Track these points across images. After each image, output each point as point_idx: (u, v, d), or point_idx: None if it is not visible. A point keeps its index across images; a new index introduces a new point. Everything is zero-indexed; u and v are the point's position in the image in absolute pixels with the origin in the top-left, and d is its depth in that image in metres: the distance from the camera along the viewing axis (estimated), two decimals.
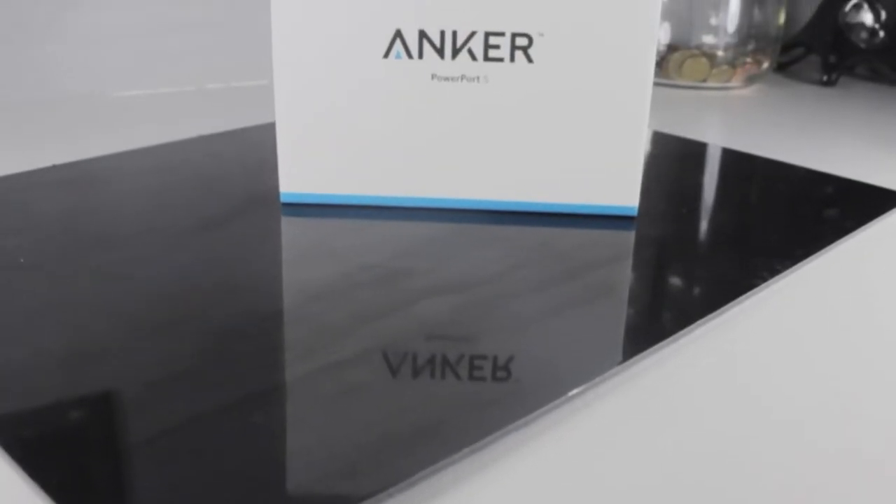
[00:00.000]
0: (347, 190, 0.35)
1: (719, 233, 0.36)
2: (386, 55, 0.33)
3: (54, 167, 0.40)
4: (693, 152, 0.46)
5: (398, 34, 0.32)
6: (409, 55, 0.33)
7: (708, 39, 0.65)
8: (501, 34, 0.32)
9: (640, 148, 0.34)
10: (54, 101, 0.55)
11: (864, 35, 0.70)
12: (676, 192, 0.40)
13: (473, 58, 0.32)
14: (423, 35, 0.32)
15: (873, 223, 0.36)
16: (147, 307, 0.27)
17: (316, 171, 0.34)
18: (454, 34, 0.32)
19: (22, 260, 0.30)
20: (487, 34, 0.32)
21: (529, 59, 0.32)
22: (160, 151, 0.43)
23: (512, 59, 0.32)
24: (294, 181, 0.34)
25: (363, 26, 0.32)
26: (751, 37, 0.66)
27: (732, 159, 0.45)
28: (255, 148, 0.43)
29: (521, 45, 0.32)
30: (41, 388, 0.22)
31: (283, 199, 0.35)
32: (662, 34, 0.65)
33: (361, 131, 0.34)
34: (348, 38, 0.32)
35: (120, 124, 0.50)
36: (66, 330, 0.25)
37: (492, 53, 0.32)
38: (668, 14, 0.65)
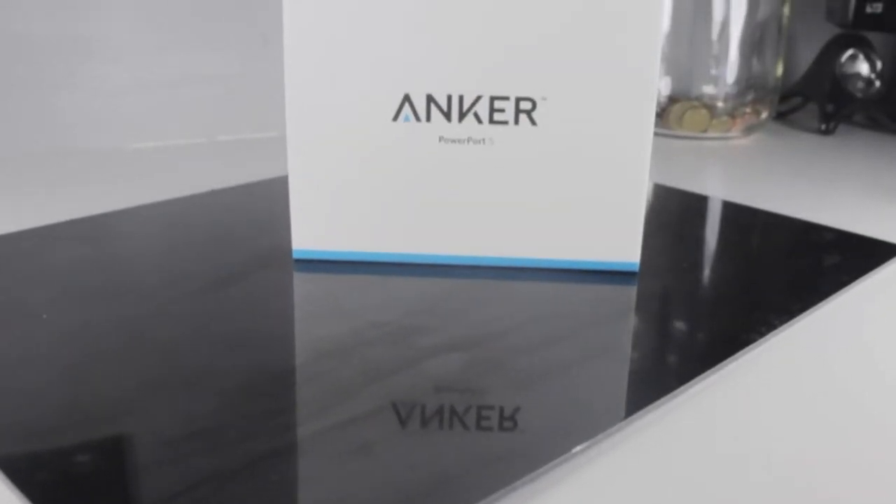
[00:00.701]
0: (358, 247, 0.36)
1: (719, 287, 0.36)
2: (395, 118, 0.34)
3: (71, 222, 0.41)
4: (693, 205, 0.48)
5: (407, 98, 0.34)
6: (418, 118, 0.34)
7: (708, 90, 0.67)
8: (506, 98, 0.34)
9: (641, 207, 0.35)
10: (69, 153, 0.56)
11: (860, 85, 0.71)
12: (677, 246, 0.41)
13: (479, 121, 0.34)
14: (430, 99, 0.34)
15: (869, 276, 0.37)
16: (164, 363, 0.28)
17: (328, 229, 0.36)
18: (461, 98, 0.34)
19: (45, 316, 0.31)
20: (493, 98, 0.34)
21: (533, 122, 0.34)
22: (175, 206, 0.44)
23: (516, 121, 0.34)
24: (306, 238, 0.36)
25: (373, 91, 0.34)
26: (750, 87, 0.67)
27: (732, 212, 0.47)
28: (266, 202, 0.44)
29: (525, 109, 0.34)
30: (61, 444, 0.23)
31: (295, 256, 0.36)
32: (663, 86, 0.67)
33: (372, 191, 0.35)
34: (359, 101, 0.34)
35: (134, 176, 0.52)
36: (87, 386, 0.26)
37: (497, 117, 0.34)
38: (668, 66, 0.67)
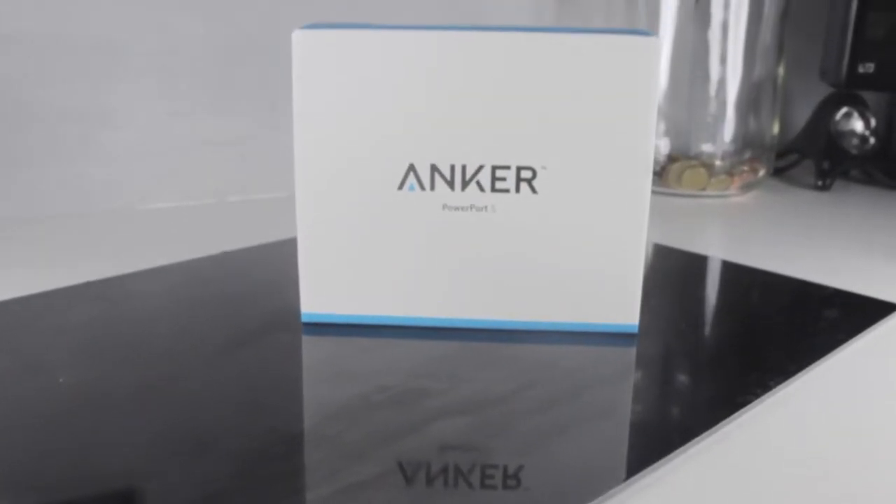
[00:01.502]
0: (365, 311, 0.37)
1: (716, 348, 0.37)
2: (400, 187, 0.35)
3: (87, 284, 0.42)
4: (692, 265, 0.49)
5: (411, 168, 0.35)
6: (422, 187, 0.35)
7: (706, 149, 0.68)
8: (507, 167, 0.35)
9: (639, 272, 0.36)
10: (84, 216, 0.58)
11: (855, 141, 0.73)
12: (676, 306, 0.42)
13: (481, 189, 0.35)
14: (434, 169, 0.35)
15: (864, 334, 0.38)
16: (176, 425, 0.28)
17: (335, 294, 0.37)
18: (463, 168, 0.35)
19: (61, 380, 0.32)
20: (494, 168, 0.35)
21: (533, 190, 0.35)
22: (187, 268, 0.45)
23: (517, 190, 0.35)
24: (315, 303, 0.37)
25: (379, 161, 0.35)
26: (747, 145, 0.69)
27: (730, 272, 0.48)
28: (277, 263, 0.46)
29: (526, 178, 0.35)
30: None
31: (303, 320, 0.37)
32: (662, 145, 0.68)
33: (378, 257, 0.36)
34: (365, 172, 0.35)
35: (147, 238, 0.53)
36: (101, 447, 0.27)
37: (498, 185, 0.35)
38: (667, 125, 0.68)
